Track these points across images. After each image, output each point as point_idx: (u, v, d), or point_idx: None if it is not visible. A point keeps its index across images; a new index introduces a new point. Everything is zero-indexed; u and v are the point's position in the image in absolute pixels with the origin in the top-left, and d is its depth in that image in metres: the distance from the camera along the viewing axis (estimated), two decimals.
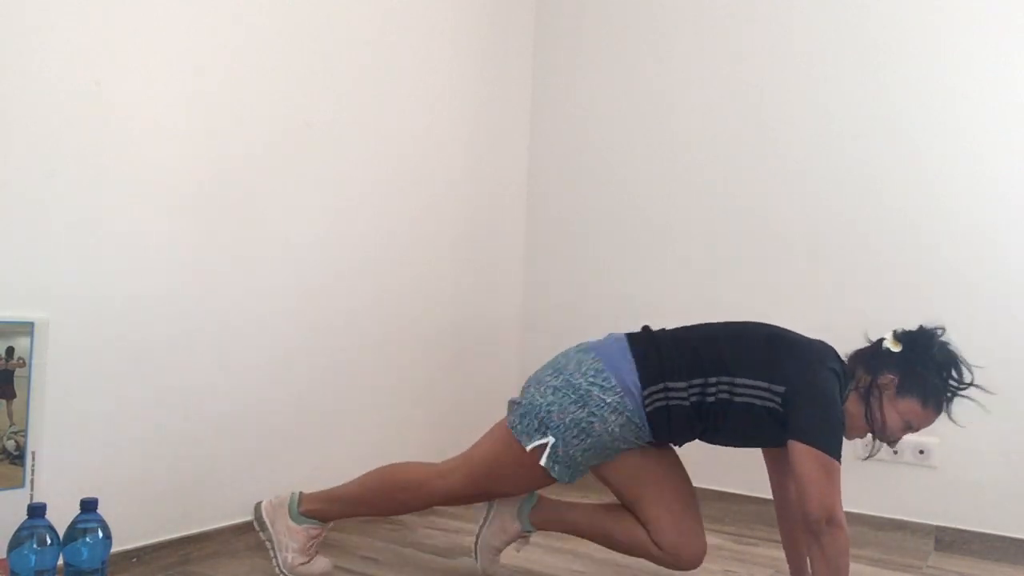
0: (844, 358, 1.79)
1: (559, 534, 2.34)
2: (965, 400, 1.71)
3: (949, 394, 1.70)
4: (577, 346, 1.84)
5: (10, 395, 1.61)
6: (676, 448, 1.85)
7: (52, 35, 1.68)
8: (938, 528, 2.39)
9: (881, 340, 1.76)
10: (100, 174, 1.77)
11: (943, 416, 1.73)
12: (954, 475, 2.38)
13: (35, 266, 1.67)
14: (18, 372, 1.62)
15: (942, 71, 2.46)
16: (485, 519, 1.91)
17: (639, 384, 1.71)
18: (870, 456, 1.82)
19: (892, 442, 1.75)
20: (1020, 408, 2.30)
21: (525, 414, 1.73)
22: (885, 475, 2.47)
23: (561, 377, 1.74)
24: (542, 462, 1.70)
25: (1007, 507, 2.32)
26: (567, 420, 1.69)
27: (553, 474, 1.72)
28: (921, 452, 2.41)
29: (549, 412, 1.70)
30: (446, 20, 2.72)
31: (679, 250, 2.84)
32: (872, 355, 1.75)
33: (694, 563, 1.79)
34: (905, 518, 2.44)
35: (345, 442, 2.37)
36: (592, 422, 1.69)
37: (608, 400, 1.69)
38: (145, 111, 1.85)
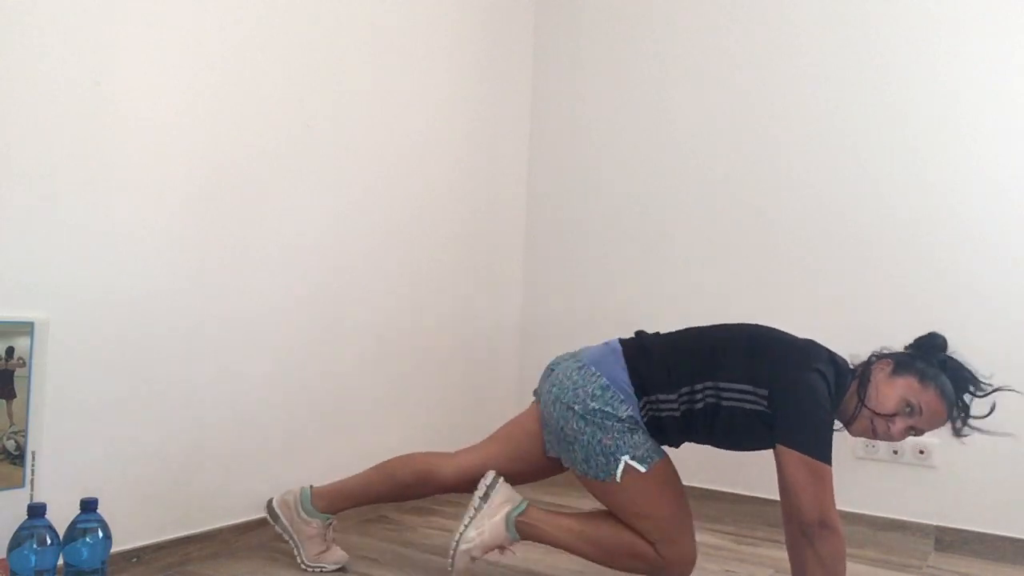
0: (851, 360, 1.78)
1: None
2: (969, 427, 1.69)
3: (960, 403, 1.67)
4: (576, 360, 1.83)
5: (10, 395, 1.61)
6: (672, 449, 1.85)
7: (52, 34, 1.68)
8: (938, 528, 2.39)
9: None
10: (100, 173, 1.77)
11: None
12: (954, 475, 2.38)
13: (35, 266, 1.67)
14: (18, 372, 1.62)
15: (942, 70, 2.46)
16: (471, 519, 1.84)
17: (636, 395, 1.74)
18: (846, 429, 1.77)
19: (891, 429, 1.67)
20: (1020, 408, 2.30)
21: (586, 459, 1.75)
22: (885, 475, 2.47)
23: (577, 407, 1.75)
24: (642, 470, 1.72)
25: (1007, 507, 2.32)
26: (616, 438, 1.72)
27: (645, 470, 1.72)
28: (921, 452, 2.41)
29: (600, 443, 1.73)
30: (446, 21, 2.72)
31: (679, 252, 2.84)
32: (874, 354, 1.77)
33: (689, 571, 1.79)
34: (905, 518, 2.44)
35: (345, 442, 2.37)
36: (624, 432, 1.73)
37: (621, 414, 1.73)
38: (145, 111, 1.85)
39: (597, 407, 1.73)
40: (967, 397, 1.69)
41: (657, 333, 1.88)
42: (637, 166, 2.94)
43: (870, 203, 2.53)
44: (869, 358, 1.77)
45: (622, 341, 1.84)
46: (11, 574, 1.49)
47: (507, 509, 1.83)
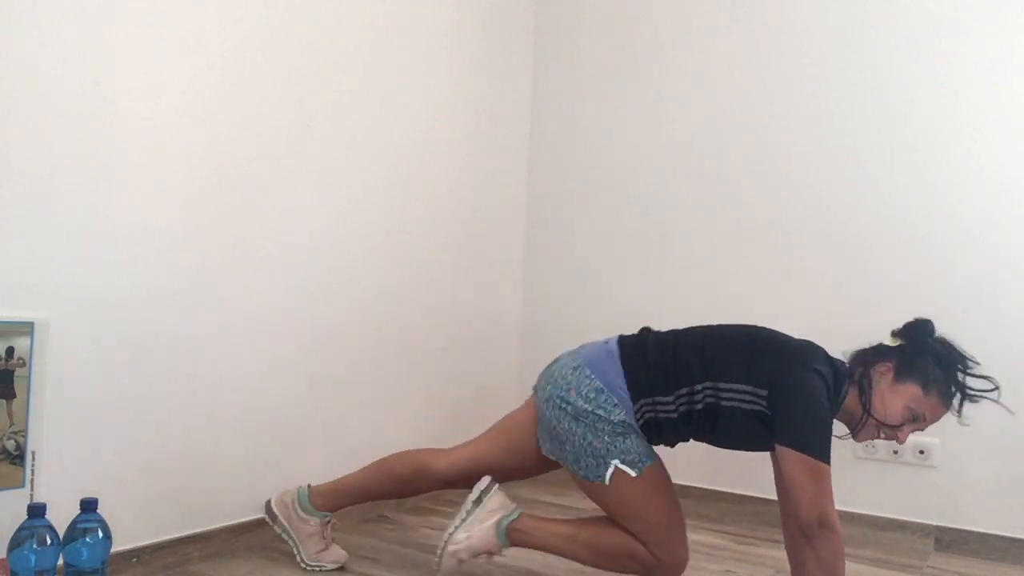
0: (844, 356, 1.79)
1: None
2: (972, 400, 1.69)
3: (954, 387, 1.68)
4: (572, 359, 1.82)
5: (10, 395, 1.61)
6: (669, 448, 1.85)
7: (52, 35, 1.68)
8: (938, 528, 2.39)
9: (880, 343, 1.76)
10: (100, 173, 1.77)
11: (946, 416, 1.72)
12: (954, 475, 2.38)
13: (35, 266, 1.67)
14: (18, 372, 1.62)
15: (942, 70, 2.46)
16: (461, 521, 1.84)
17: (630, 398, 1.74)
18: (855, 438, 1.77)
19: (898, 435, 1.70)
20: (1020, 408, 2.29)
21: (576, 459, 1.75)
22: (885, 475, 2.47)
23: (570, 408, 1.75)
24: (633, 474, 1.72)
25: (1007, 507, 2.32)
26: (607, 441, 1.72)
27: (635, 475, 1.72)
28: (921, 452, 2.41)
29: (591, 445, 1.73)
30: (446, 21, 2.72)
31: (678, 250, 2.84)
32: (871, 351, 1.76)
33: (682, 571, 1.80)
34: (905, 518, 2.44)
35: (345, 442, 2.37)
36: (616, 436, 1.73)
37: (614, 418, 1.73)
38: (145, 111, 1.85)
39: (589, 409, 1.73)
40: (959, 375, 1.69)
41: (657, 332, 1.87)
42: (637, 166, 2.94)
43: (870, 203, 2.53)
44: (864, 357, 1.75)
45: (621, 340, 1.83)
46: (11, 574, 1.49)
47: (499, 516, 1.83)
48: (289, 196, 2.19)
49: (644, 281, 2.89)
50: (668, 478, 1.80)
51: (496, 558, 1.89)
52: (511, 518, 1.83)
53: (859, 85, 2.56)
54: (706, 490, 2.69)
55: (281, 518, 1.96)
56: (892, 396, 1.69)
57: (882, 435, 1.72)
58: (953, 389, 1.69)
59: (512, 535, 1.83)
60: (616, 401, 1.73)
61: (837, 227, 2.57)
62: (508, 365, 3.07)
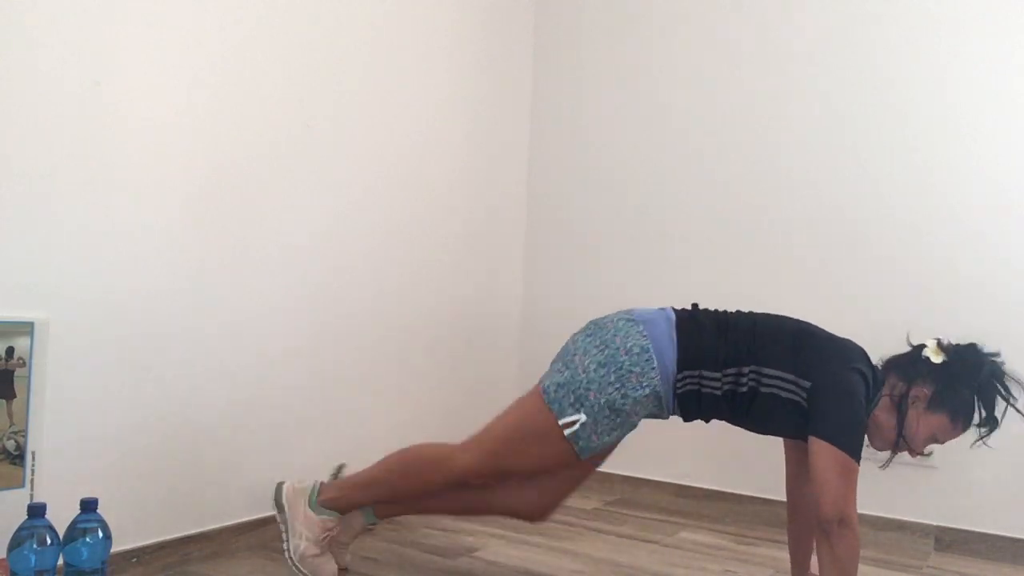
0: (879, 362, 1.77)
1: (558, 533, 2.33)
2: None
3: (988, 426, 1.68)
4: (627, 314, 1.79)
5: (10, 395, 1.61)
6: (704, 423, 1.82)
7: (52, 35, 1.68)
8: (938, 528, 2.39)
9: (921, 347, 1.73)
10: (100, 174, 1.77)
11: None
12: (954, 475, 2.38)
13: (35, 266, 1.67)
14: (18, 372, 1.62)
15: (942, 70, 2.46)
16: (284, 533, 1.85)
17: (676, 367, 1.70)
18: (886, 465, 1.81)
19: (911, 451, 1.74)
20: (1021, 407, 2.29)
21: (563, 384, 1.71)
22: (885, 475, 2.46)
23: (607, 351, 1.70)
24: (567, 433, 1.68)
25: (1007, 507, 2.32)
26: (602, 401, 1.68)
27: (576, 449, 1.70)
28: (924, 453, 2.41)
29: (588, 389, 1.68)
30: (446, 21, 2.72)
31: (678, 250, 2.84)
32: (910, 363, 1.73)
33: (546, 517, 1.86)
34: (905, 518, 2.44)
35: (346, 441, 2.37)
36: (624, 404, 1.68)
37: (645, 381, 1.68)
38: (145, 111, 1.85)
39: (624, 362, 1.68)
40: (996, 413, 1.67)
41: (709, 309, 1.83)
42: (637, 166, 2.94)
43: (870, 203, 2.53)
44: (904, 371, 1.72)
45: (676, 311, 1.79)
46: (11, 574, 1.49)
47: (302, 500, 1.84)
48: (289, 196, 2.19)
49: (644, 281, 2.89)
50: (567, 467, 1.79)
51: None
52: (313, 492, 1.85)
53: (859, 85, 2.56)
54: (706, 490, 2.69)
55: (287, 510, 1.88)
56: (922, 422, 1.70)
57: (897, 449, 1.74)
58: (984, 425, 1.68)
59: (327, 504, 1.84)
60: (655, 365, 1.69)
61: (837, 227, 2.57)
62: (508, 365, 3.07)
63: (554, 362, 1.81)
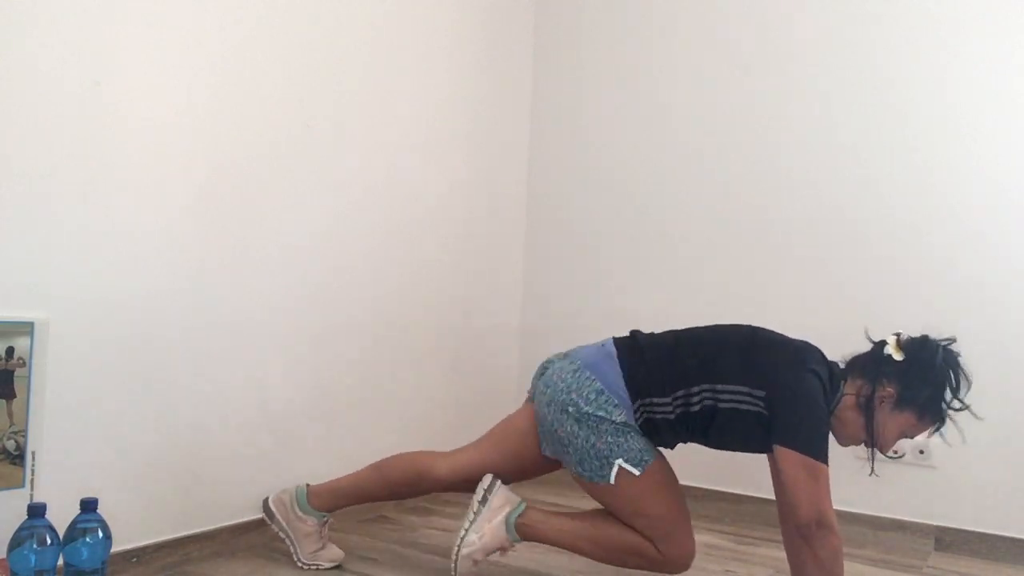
0: (842, 362, 1.78)
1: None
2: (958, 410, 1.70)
3: (944, 416, 1.69)
4: (569, 360, 1.82)
5: (10, 395, 1.61)
6: (668, 449, 1.85)
7: (52, 35, 1.68)
8: (938, 528, 2.39)
9: (882, 344, 1.73)
10: (100, 174, 1.77)
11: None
12: (954, 475, 2.38)
13: (35, 266, 1.67)
14: (18, 372, 1.62)
15: (942, 70, 2.46)
16: (471, 522, 1.84)
17: (629, 399, 1.74)
18: (872, 471, 1.81)
19: (885, 452, 1.75)
20: (1020, 408, 2.30)
21: (580, 461, 1.75)
22: (885, 475, 2.47)
23: (571, 410, 1.75)
24: (633, 472, 1.72)
25: (1007, 507, 2.32)
26: (610, 441, 1.72)
27: (639, 473, 1.72)
28: (921, 452, 2.41)
29: (594, 446, 1.73)
30: (447, 21, 2.72)
31: (678, 253, 2.84)
32: (872, 361, 1.73)
33: (689, 565, 1.80)
34: (905, 518, 2.44)
35: (345, 442, 2.37)
36: (619, 436, 1.73)
37: (615, 418, 1.73)
38: (145, 111, 1.85)
39: (591, 411, 1.73)
40: (953, 402, 1.69)
41: (652, 333, 1.87)
42: (637, 166, 2.94)
43: (870, 203, 2.53)
44: (867, 371, 1.73)
45: (616, 342, 1.83)
46: (11, 574, 1.49)
47: (506, 511, 1.83)
48: (289, 196, 2.19)
49: (644, 282, 2.89)
50: (671, 473, 1.81)
51: (495, 556, 1.89)
52: (518, 512, 1.84)
53: (859, 85, 2.56)
54: (706, 490, 2.69)
55: (279, 516, 1.96)
56: (889, 423, 1.70)
57: (870, 447, 1.74)
58: (943, 416, 1.70)
59: (521, 529, 1.84)
60: (616, 402, 1.73)
61: (837, 227, 2.57)
62: (507, 365, 3.07)
63: (544, 437, 1.84)
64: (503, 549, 1.84)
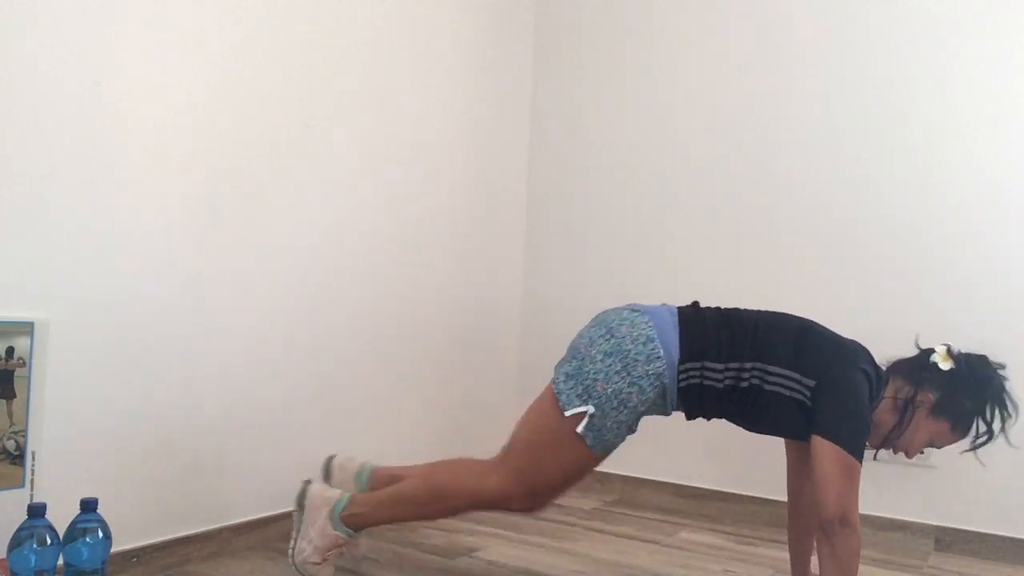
0: (885, 364, 1.77)
1: (559, 533, 2.33)
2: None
3: (985, 437, 1.69)
4: (630, 306, 1.79)
5: (10, 395, 1.61)
6: (704, 420, 1.81)
7: (52, 35, 1.68)
8: (938, 528, 2.39)
9: (929, 352, 1.73)
10: (100, 174, 1.77)
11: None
12: (954, 475, 2.38)
13: (35, 266, 1.67)
14: (18, 372, 1.62)
15: (942, 70, 2.46)
16: (296, 532, 1.82)
17: (679, 359, 1.69)
18: (874, 456, 1.81)
19: (911, 456, 1.76)
20: (1020, 408, 2.29)
21: (572, 375, 1.71)
22: (885, 475, 2.47)
23: (612, 340, 1.70)
24: (579, 429, 1.66)
25: (1007, 507, 2.32)
26: (609, 391, 1.67)
27: (588, 443, 1.68)
28: (921, 452, 2.41)
29: (595, 380, 1.68)
30: (447, 21, 2.72)
31: (678, 250, 2.84)
32: (917, 367, 1.73)
33: (526, 509, 1.79)
34: (905, 518, 2.44)
35: (346, 442, 2.37)
36: (631, 393, 1.67)
37: (650, 370, 1.67)
38: (145, 111, 1.85)
39: (631, 350, 1.68)
40: (996, 427, 1.68)
41: (715, 308, 1.83)
42: (637, 166, 2.94)
43: (870, 203, 2.53)
44: (912, 375, 1.72)
45: (679, 307, 1.79)
46: (11, 574, 1.49)
47: (326, 511, 1.81)
48: (289, 196, 2.19)
49: (644, 281, 2.89)
50: (589, 469, 1.77)
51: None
52: (341, 506, 1.81)
53: (859, 85, 2.56)
54: (706, 490, 2.69)
55: (308, 512, 1.85)
56: (922, 427, 1.71)
57: (894, 449, 1.75)
58: (982, 436, 1.69)
59: (349, 520, 1.81)
60: (661, 354, 1.68)
61: (837, 227, 2.57)
62: (508, 365, 3.07)
63: (564, 356, 1.79)
64: (339, 546, 1.82)
